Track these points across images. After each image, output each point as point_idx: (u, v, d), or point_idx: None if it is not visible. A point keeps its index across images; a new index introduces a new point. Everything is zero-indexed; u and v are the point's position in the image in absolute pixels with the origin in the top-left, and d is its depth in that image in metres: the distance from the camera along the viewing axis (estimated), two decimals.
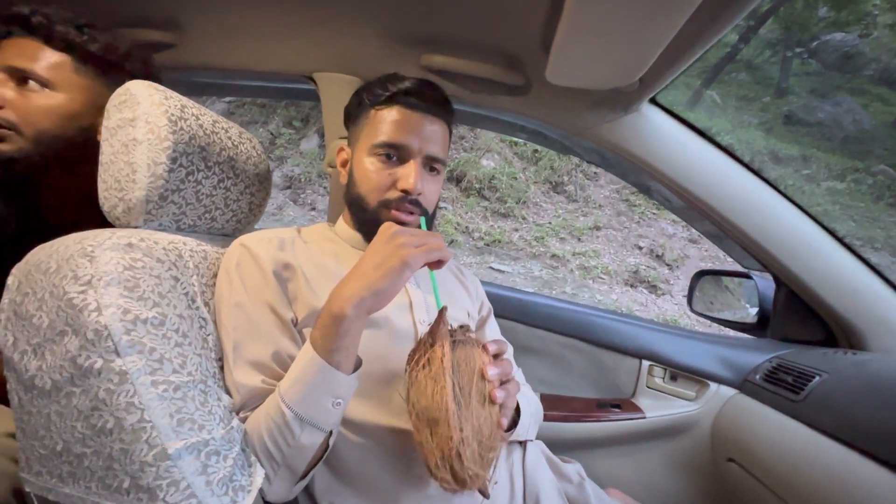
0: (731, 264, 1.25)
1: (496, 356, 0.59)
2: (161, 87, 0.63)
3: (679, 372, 1.08)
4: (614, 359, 1.13)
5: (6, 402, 0.57)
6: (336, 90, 1.03)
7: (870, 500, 0.65)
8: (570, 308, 1.20)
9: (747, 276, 1.16)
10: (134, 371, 0.47)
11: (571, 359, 1.16)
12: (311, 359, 0.54)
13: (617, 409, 1.09)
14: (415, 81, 0.71)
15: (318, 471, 0.61)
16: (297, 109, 7.60)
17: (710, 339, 1.13)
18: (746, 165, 0.97)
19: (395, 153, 0.69)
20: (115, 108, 0.61)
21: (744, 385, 1.01)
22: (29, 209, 0.75)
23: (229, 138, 0.72)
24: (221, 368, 0.61)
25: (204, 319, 0.60)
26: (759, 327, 1.12)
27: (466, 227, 6.05)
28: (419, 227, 0.69)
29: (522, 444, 0.79)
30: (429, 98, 0.71)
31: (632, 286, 5.51)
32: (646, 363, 1.11)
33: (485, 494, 0.56)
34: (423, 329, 0.65)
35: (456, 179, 6.54)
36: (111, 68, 0.75)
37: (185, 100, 0.66)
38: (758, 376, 0.97)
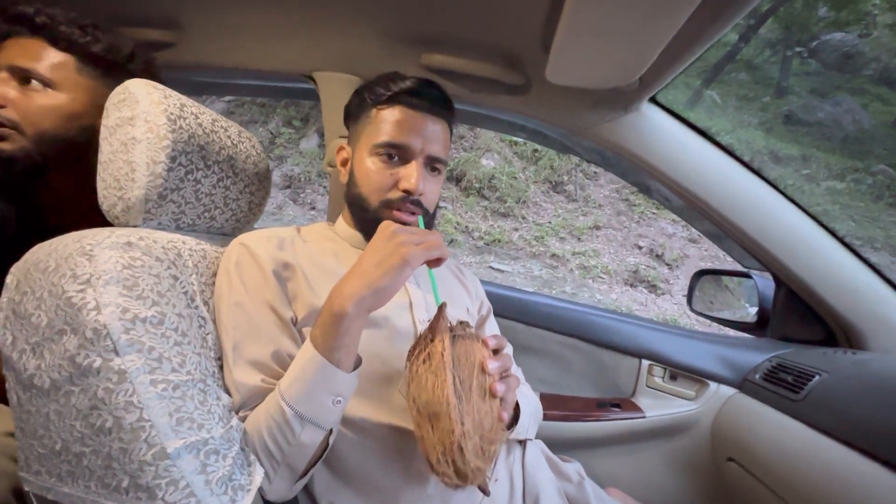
0: (730, 264, 1.26)
1: (496, 351, 0.59)
2: (160, 86, 0.63)
3: (679, 371, 1.08)
4: (614, 358, 1.13)
5: (5, 402, 0.57)
6: (336, 89, 1.03)
7: (869, 499, 0.65)
8: (570, 307, 1.20)
9: (747, 276, 1.16)
10: (133, 370, 0.47)
11: (571, 358, 1.16)
12: (311, 357, 0.54)
13: (617, 409, 1.09)
14: (416, 81, 0.71)
15: (317, 470, 0.61)
16: (297, 109, 7.59)
17: (709, 339, 1.13)
18: (746, 165, 0.97)
19: (396, 153, 0.69)
20: (114, 107, 0.61)
21: (743, 384, 1.01)
22: (29, 209, 0.75)
23: (228, 137, 0.72)
24: (221, 367, 0.61)
25: (203, 318, 0.60)
26: (759, 327, 1.12)
27: (466, 226, 6.05)
28: (417, 226, 0.69)
29: (522, 443, 0.79)
30: (430, 98, 0.71)
31: (631, 286, 5.51)
32: (645, 363, 1.11)
33: (485, 491, 0.56)
34: (423, 328, 0.65)
35: (456, 179, 6.54)
36: (114, 69, 0.75)
37: (184, 98, 0.66)
38: (757, 376, 0.97)
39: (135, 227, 0.61)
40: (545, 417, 0.92)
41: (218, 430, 0.52)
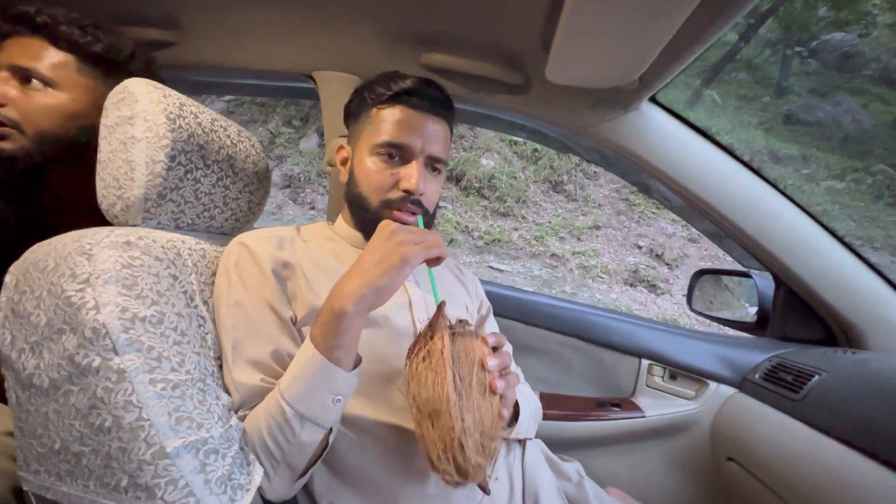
0: (730, 263, 1.26)
1: (495, 349, 0.59)
2: (159, 85, 0.63)
3: (678, 371, 1.08)
4: (614, 358, 1.13)
5: (4, 401, 0.57)
6: (336, 89, 1.03)
7: (869, 498, 0.65)
8: (570, 307, 1.20)
9: (747, 275, 1.16)
10: (132, 369, 0.47)
11: (571, 358, 1.16)
12: (311, 356, 0.54)
13: (616, 408, 1.09)
14: (417, 81, 0.70)
15: (317, 470, 0.61)
16: (297, 108, 7.59)
17: (709, 339, 1.13)
18: (746, 164, 0.97)
19: (397, 153, 0.69)
20: (113, 106, 0.61)
21: (743, 384, 1.01)
22: (29, 209, 0.75)
23: (228, 136, 0.72)
24: (220, 367, 0.61)
25: (202, 318, 0.60)
26: (759, 326, 1.12)
27: (466, 226, 6.05)
28: (417, 225, 0.69)
29: (522, 442, 0.79)
30: (431, 98, 0.71)
31: (631, 285, 5.51)
32: (645, 362, 1.11)
33: (485, 489, 0.56)
34: (423, 327, 0.65)
35: (455, 178, 6.54)
36: (114, 69, 0.75)
37: (183, 98, 0.65)
38: (757, 375, 0.97)
39: (134, 226, 0.61)
40: (545, 417, 0.92)
41: (217, 430, 0.52)
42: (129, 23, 0.97)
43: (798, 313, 1.05)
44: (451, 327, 0.56)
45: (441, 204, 6.00)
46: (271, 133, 7.33)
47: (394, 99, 0.70)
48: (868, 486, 0.66)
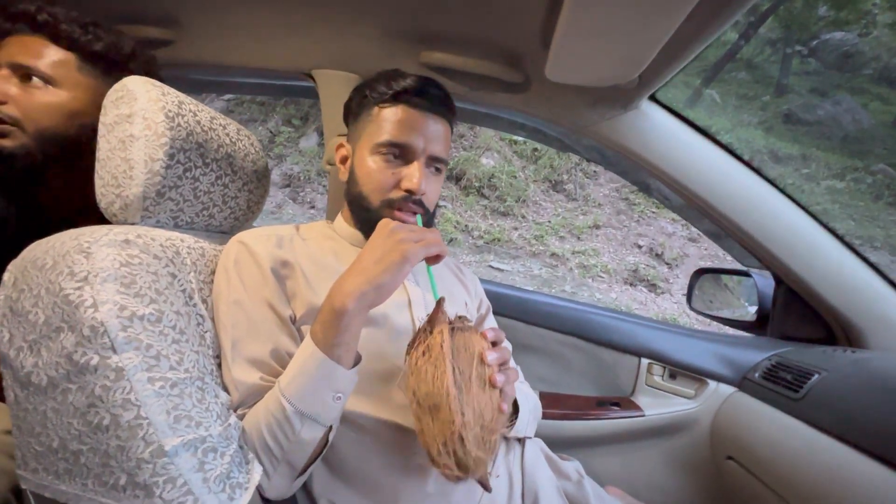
0: (730, 263, 1.25)
1: (494, 344, 0.59)
2: (158, 83, 0.63)
3: (678, 370, 1.08)
4: (613, 357, 1.13)
5: (3, 399, 0.57)
6: (335, 87, 1.02)
7: (869, 497, 0.65)
8: (570, 306, 1.20)
9: (747, 275, 1.16)
10: (130, 367, 0.47)
11: (571, 357, 1.16)
12: (311, 353, 0.54)
13: (616, 408, 1.09)
14: (419, 80, 0.70)
15: (316, 468, 0.61)
16: (297, 108, 7.59)
17: (709, 338, 1.13)
18: (746, 163, 0.97)
19: (399, 152, 0.69)
20: (111, 105, 0.60)
21: (743, 383, 1.01)
22: (29, 207, 0.75)
23: (227, 135, 0.72)
24: (219, 365, 0.61)
25: (201, 316, 0.60)
26: (759, 325, 1.12)
27: (466, 225, 6.05)
28: (416, 224, 0.69)
29: (521, 441, 0.79)
30: (433, 97, 0.70)
31: (631, 285, 5.51)
32: (645, 361, 1.11)
33: (486, 486, 0.56)
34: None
35: (455, 178, 6.53)
36: (115, 68, 0.75)
37: (182, 96, 0.65)
38: (757, 374, 0.97)
39: (133, 224, 0.61)
40: (545, 416, 0.92)
41: (216, 428, 0.52)
42: (129, 21, 0.97)
43: (798, 312, 1.05)
44: (450, 322, 0.56)
45: (441, 203, 6.01)
46: (271, 132, 7.33)
47: (396, 98, 0.69)
48: (868, 485, 0.66)
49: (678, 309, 5.13)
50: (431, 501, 0.64)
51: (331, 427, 0.57)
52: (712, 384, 1.04)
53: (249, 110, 7.74)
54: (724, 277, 1.30)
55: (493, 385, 0.54)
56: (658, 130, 0.94)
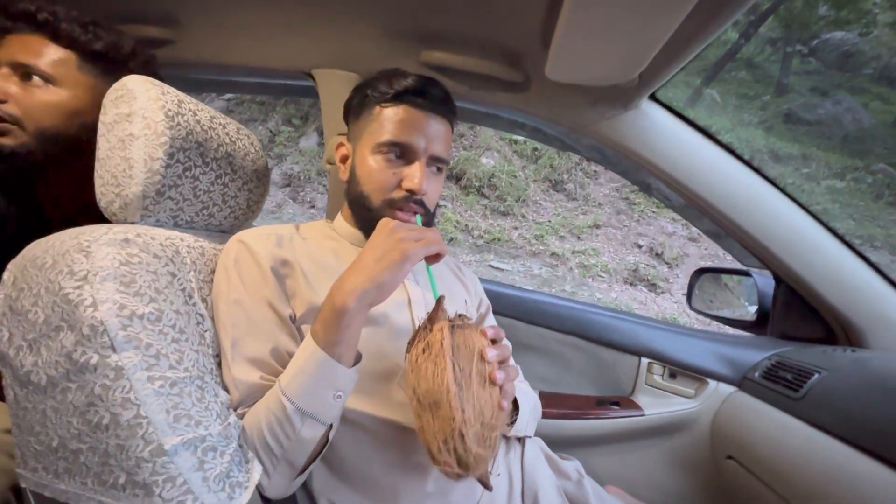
0: (730, 262, 1.26)
1: (494, 341, 0.59)
2: (158, 83, 0.63)
3: (678, 369, 1.08)
4: (613, 356, 1.13)
5: (2, 398, 0.57)
6: (335, 87, 1.02)
7: (868, 497, 0.65)
8: (570, 306, 1.20)
9: (747, 274, 1.16)
10: (130, 367, 0.47)
11: (571, 356, 1.16)
12: (312, 352, 0.54)
13: (616, 407, 1.09)
14: (420, 79, 0.70)
15: (316, 467, 0.61)
16: (297, 107, 7.58)
17: (709, 337, 1.13)
18: (747, 163, 0.97)
19: (400, 152, 0.69)
20: (111, 104, 0.60)
21: (743, 383, 1.01)
22: (29, 206, 0.75)
23: (227, 134, 0.72)
24: (219, 365, 0.61)
25: (201, 315, 0.60)
26: (759, 325, 1.12)
27: (466, 225, 6.04)
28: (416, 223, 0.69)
29: (521, 440, 0.79)
30: (434, 97, 0.70)
31: (631, 284, 5.51)
32: (645, 361, 1.11)
33: (486, 485, 0.56)
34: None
35: (455, 177, 6.53)
36: (115, 67, 0.75)
37: (182, 95, 0.65)
38: (757, 374, 0.97)
39: (132, 223, 0.61)
40: (544, 415, 0.92)
41: (216, 427, 0.52)
42: (129, 20, 0.97)
43: (798, 312, 1.05)
44: (450, 320, 0.56)
45: (441, 203, 6.01)
46: (271, 132, 7.33)
47: (397, 98, 0.69)
48: (867, 484, 0.66)
49: (678, 308, 5.13)
50: (431, 500, 0.64)
51: (331, 426, 0.58)
52: (712, 384, 1.04)
53: (249, 110, 7.74)
54: (724, 277, 1.30)
55: (493, 382, 0.54)
56: (658, 130, 0.94)
